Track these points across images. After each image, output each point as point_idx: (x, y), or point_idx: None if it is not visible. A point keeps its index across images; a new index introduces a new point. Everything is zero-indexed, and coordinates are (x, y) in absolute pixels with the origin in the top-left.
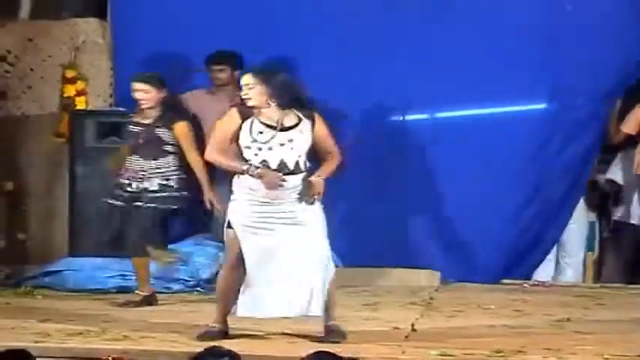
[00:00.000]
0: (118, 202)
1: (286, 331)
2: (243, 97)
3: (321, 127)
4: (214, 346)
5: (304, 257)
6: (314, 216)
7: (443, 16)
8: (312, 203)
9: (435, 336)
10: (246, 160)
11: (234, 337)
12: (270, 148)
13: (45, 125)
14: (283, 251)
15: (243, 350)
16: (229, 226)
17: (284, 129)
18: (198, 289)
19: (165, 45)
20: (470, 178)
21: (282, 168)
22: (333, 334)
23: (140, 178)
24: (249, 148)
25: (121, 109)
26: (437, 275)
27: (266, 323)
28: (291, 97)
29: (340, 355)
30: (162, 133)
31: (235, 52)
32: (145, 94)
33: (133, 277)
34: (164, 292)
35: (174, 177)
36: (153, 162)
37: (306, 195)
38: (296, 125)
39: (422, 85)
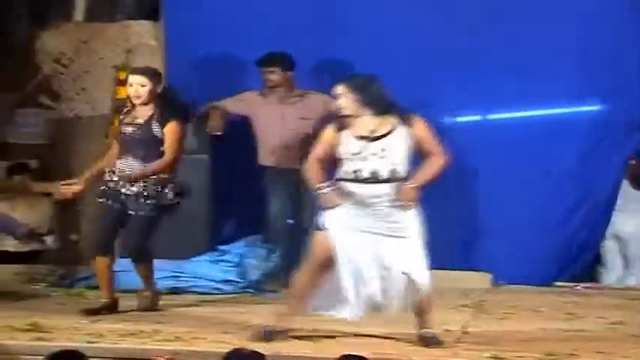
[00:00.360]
0: (116, 204)
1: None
2: (337, 106)
3: (420, 130)
4: (239, 348)
5: (395, 263)
6: (408, 223)
7: (496, 17)
8: (406, 210)
9: (486, 338)
10: (342, 170)
11: (304, 337)
12: (364, 159)
13: (97, 127)
14: (374, 256)
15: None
16: (319, 228)
17: (377, 138)
18: (249, 290)
19: (218, 46)
20: (522, 179)
21: (375, 177)
22: (429, 341)
23: (132, 182)
24: (344, 159)
25: None
26: (488, 277)
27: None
28: (386, 104)
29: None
30: (158, 132)
31: (286, 54)
32: (142, 87)
33: (186, 278)
34: (215, 294)
35: (169, 183)
36: (146, 164)
37: (399, 202)
38: (390, 132)
39: (474, 87)
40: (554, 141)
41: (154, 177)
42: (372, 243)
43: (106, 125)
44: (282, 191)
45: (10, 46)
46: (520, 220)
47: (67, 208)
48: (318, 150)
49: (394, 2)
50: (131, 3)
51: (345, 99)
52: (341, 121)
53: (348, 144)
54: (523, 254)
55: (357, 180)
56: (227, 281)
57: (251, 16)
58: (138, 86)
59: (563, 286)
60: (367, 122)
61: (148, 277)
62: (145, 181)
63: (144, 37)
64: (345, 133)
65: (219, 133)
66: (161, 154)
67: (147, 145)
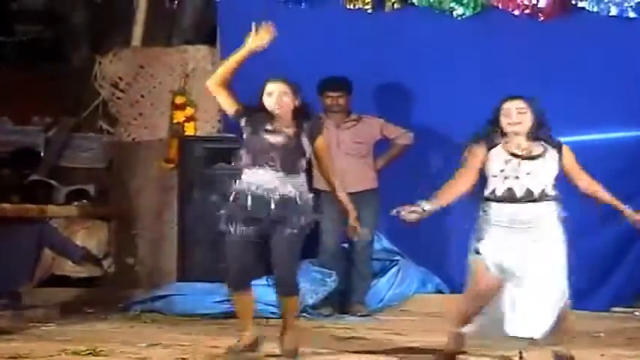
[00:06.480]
0: (253, 227)
1: None
2: (512, 121)
3: (569, 159)
4: None
5: (545, 284)
6: (558, 244)
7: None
8: (553, 231)
9: None
10: (493, 189)
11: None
12: (516, 177)
13: (155, 151)
14: (526, 275)
15: None
16: (476, 252)
17: (530, 158)
18: (305, 314)
19: (274, 72)
20: (578, 203)
21: (528, 196)
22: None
23: (276, 198)
24: (495, 177)
25: (229, 135)
26: None
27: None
28: (545, 129)
29: None
30: (306, 145)
31: (348, 79)
32: (286, 97)
33: None
34: (271, 317)
35: (310, 199)
36: (289, 178)
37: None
38: (542, 155)
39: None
40: (616, 166)
41: (300, 191)
42: (523, 263)
43: (164, 149)
44: (336, 215)
45: (70, 72)
46: (576, 245)
47: (123, 232)
48: (468, 170)
49: (453, 25)
50: (188, 28)
51: (524, 115)
52: (491, 140)
53: (501, 161)
54: (579, 279)
55: (510, 199)
56: None
57: (308, 43)
58: (281, 94)
59: (622, 311)
60: (519, 142)
61: (293, 313)
62: (287, 195)
63: (201, 61)
64: (496, 151)
65: None
66: (301, 170)
67: (295, 158)
